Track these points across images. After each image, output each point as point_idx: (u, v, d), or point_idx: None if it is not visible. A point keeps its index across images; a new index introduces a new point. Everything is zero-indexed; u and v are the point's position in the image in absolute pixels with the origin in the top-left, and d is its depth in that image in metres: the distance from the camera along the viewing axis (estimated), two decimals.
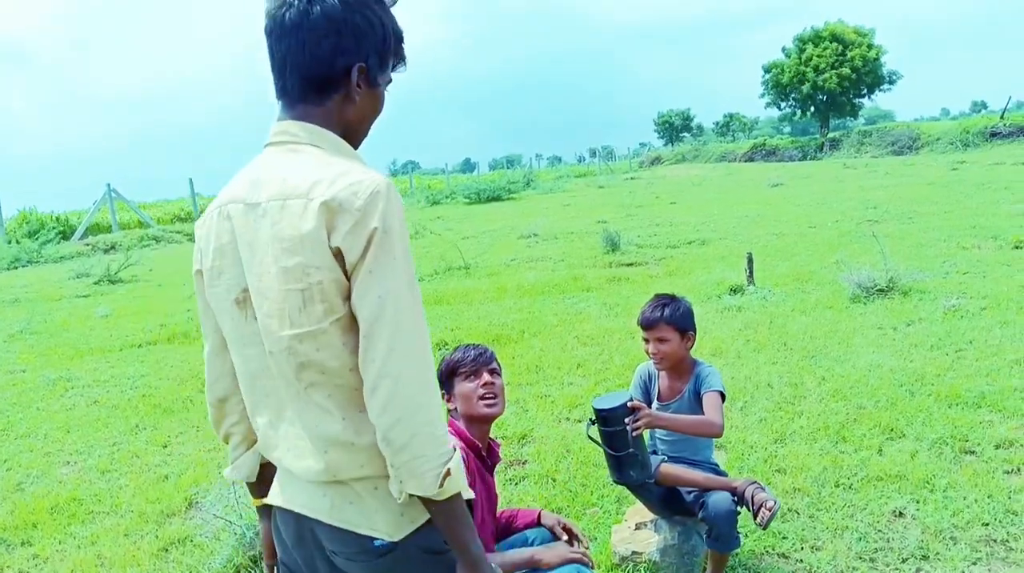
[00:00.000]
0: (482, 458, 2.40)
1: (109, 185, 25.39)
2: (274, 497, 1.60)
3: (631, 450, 2.71)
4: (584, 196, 26.49)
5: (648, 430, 3.20)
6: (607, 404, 2.72)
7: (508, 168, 54.44)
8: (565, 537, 2.55)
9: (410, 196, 33.37)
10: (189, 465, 4.74)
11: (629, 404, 2.70)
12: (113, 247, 20.77)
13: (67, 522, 4.08)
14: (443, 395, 2.39)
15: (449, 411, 2.43)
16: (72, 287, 13.56)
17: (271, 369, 1.46)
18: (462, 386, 2.40)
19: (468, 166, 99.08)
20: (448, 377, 2.42)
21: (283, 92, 1.46)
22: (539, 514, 2.65)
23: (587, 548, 2.56)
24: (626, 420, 2.67)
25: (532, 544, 2.61)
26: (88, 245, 21.29)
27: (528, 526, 2.63)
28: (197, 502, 4.14)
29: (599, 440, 2.79)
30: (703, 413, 2.93)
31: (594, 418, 2.76)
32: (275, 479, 1.63)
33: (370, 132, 1.57)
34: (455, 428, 2.35)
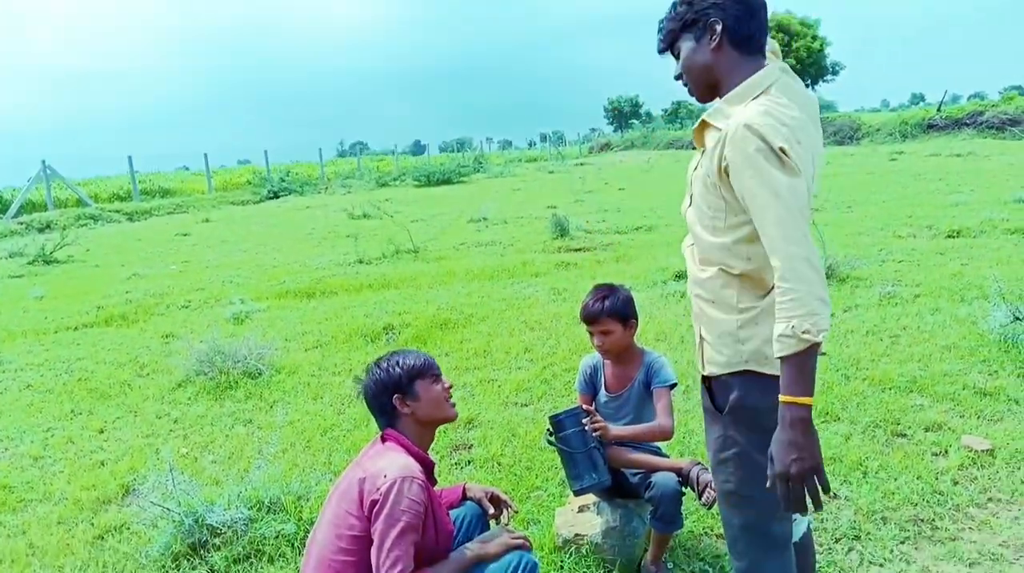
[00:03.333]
0: (430, 476, 2.36)
1: (44, 162, 24.52)
2: None
3: (592, 446, 2.81)
4: (534, 181, 26.52)
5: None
6: (562, 411, 2.87)
7: (458, 151, 54.10)
8: (492, 509, 2.60)
9: (358, 177, 32.97)
10: (126, 451, 4.63)
11: (585, 407, 2.85)
12: (48, 226, 20.08)
13: None
14: (399, 402, 2.31)
15: (397, 420, 2.33)
16: (4, 267, 13.08)
17: None
18: (433, 388, 2.35)
19: (418, 148, 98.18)
20: (412, 380, 2.32)
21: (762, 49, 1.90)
22: (464, 488, 2.67)
23: (516, 511, 2.68)
24: (583, 421, 2.78)
25: (463, 527, 2.63)
26: (22, 223, 20.55)
27: (454, 505, 2.64)
28: (134, 489, 4.05)
29: (557, 444, 2.88)
30: (652, 403, 3.03)
31: (551, 429, 2.86)
32: None
33: None
34: (404, 444, 2.27)
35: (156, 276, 11.22)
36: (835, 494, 3.53)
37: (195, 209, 24.38)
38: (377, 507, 2.05)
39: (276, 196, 27.80)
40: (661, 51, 2.02)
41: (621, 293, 3.04)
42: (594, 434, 2.82)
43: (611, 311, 2.98)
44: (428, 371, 2.35)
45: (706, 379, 2.02)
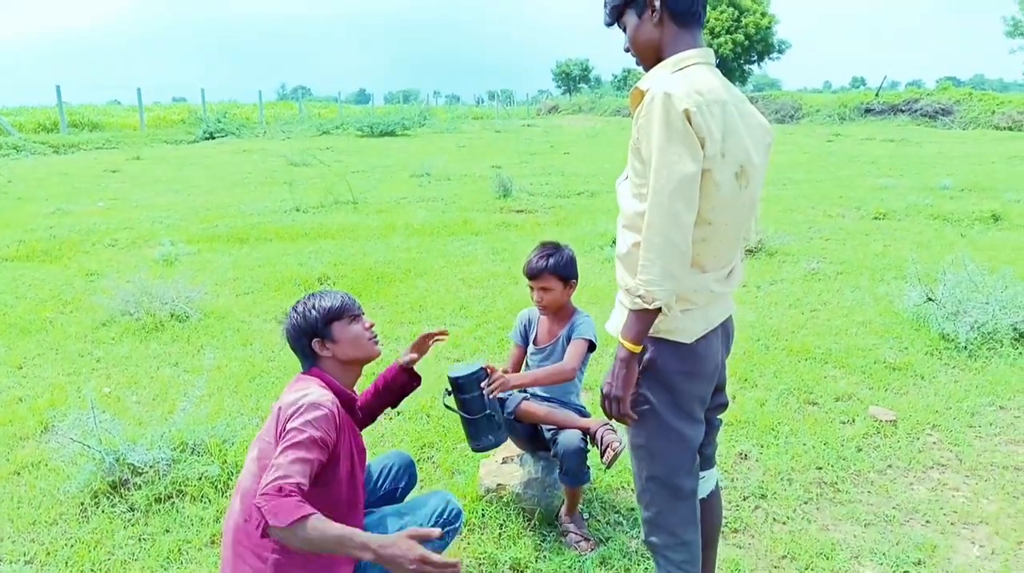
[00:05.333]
0: (352, 411, 2.39)
1: None
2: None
3: (488, 412, 2.81)
4: (480, 139, 26.33)
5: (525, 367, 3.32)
6: (462, 372, 2.81)
7: (404, 103, 53.16)
8: (425, 347, 2.76)
9: (299, 123, 32.13)
10: (45, 388, 4.52)
11: (485, 366, 2.82)
12: None
13: None
14: (318, 345, 2.32)
15: (319, 361, 2.35)
16: None
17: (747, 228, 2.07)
18: (351, 328, 2.34)
19: (362, 97, 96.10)
20: (330, 322, 2.32)
21: (700, 21, 2.00)
22: (396, 366, 2.72)
23: (445, 333, 2.80)
24: (481, 384, 2.77)
25: (390, 475, 2.69)
26: None
27: (391, 384, 2.70)
28: (53, 426, 3.97)
29: (455, 407, 2.86)
30: None
31: (450, 388, 2.84)
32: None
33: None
34: (327, 380, 2.29)
35: (82, 212, 10.82)
36: (745, 455, 3.71)
37: (126, 146, 23.44)
38: (284, 428, 2.06)
39: (212, 137, 26.90)
40: (608, 24, 2.11)
41: (566, 252, 3.10)
42: (495, 393, 2.85)
43: (554, 269, 3.04)
44: (345, 312, 2.34)
45: None
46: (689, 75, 1.87)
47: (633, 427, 2.08)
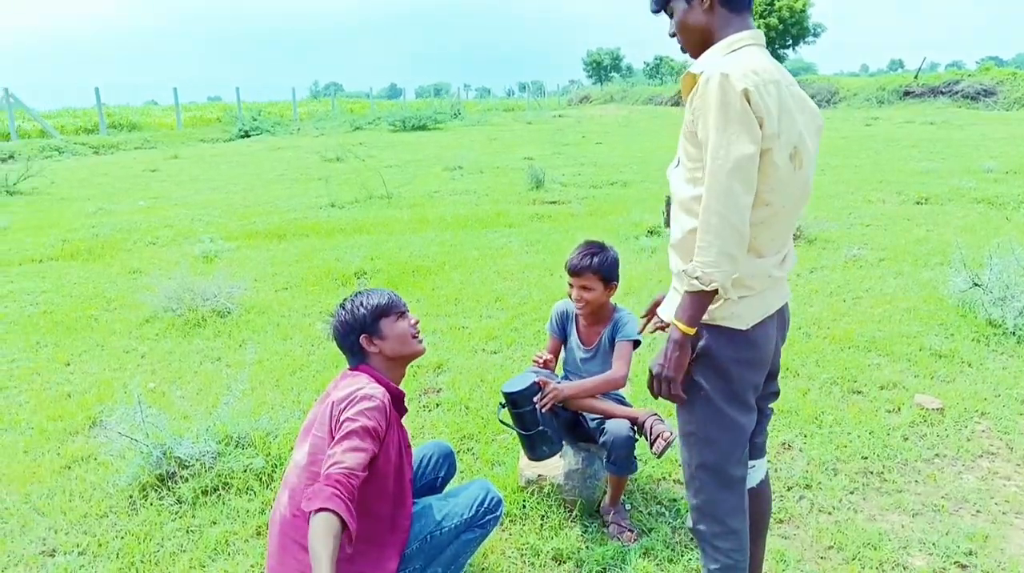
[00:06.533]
0: (400, 407, 2.41)
1: (7, 90, 23.73)
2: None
3: (541, 428, 2.88)
4: (511, 131, 26.28)
5: (563, 359, 3.32)
6: (515, 387, 2.87)
7: (435, 97, 53.25)
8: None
9: (332, 119, 32.39)
10: (93, 384, 4.63)
11: (537, 380, 2.87)
12: (11, 156, 19.52)
13: None
14: (366, 341, 2.35)
15: (367, 358, 2.37)
16: None
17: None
18: (398, 325, 2.38)
19: (394, 92, 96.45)
20: (378, 318, 2.36)
21: (750, 5, 1.97)
22: None
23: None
24: (534, 399, 2.79)
25: (430, 465, 2.71)
26: None
27: None
28: (101, 421, 4.06)
29: (510, 423, 2.94)
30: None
31: (504, 402, 2.90)
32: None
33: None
34: (375, 376, 2.32)
35: (123, 211, 11.03)
36: (788, 445, 3.66)
37: (164, 145, 23.84)
38: (339, 420, 2.10)
39: (247, 135, 27.25)
40: (655, 11, 2.10)
41: (610, 253, 3.08)
42: (548, 405, 2.88)
43: (597, 268, 3.02)
44: (392, 309, 2.38)
45: None
46: (743, 56, 1.86)
47: (685, 414, 2.06)
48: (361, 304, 2.37)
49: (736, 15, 1.96)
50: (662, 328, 2.30)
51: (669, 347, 1.91)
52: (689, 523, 2.18)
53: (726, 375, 1.99)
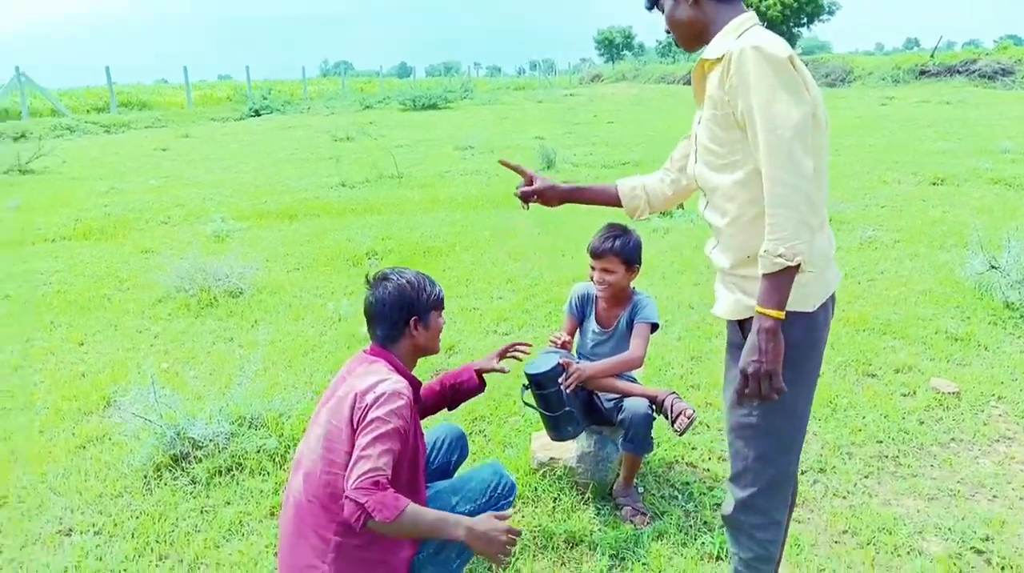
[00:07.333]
0: (416, 397, 2.39)
1: (18, 68, 23.75)
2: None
3: (567, 409, 2.87)
4: (522, 110, 26.12)
5: (578, 343, 3.30)
6: (540, 368, 2.86)
7: (445, 75, 52.97)
8: (505, 367, 2.74)
9: (342, 98, 32.27)
10: (107, 364, 4.65)
11: (561, 361, 2.85)
12: (23, 135, 19.56)
13: None
14: (414, 323, 2.29)
15: (399, 341, 2.30)
16: None
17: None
18: (440, 320, 2.39)
19: (404, 70, 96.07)
20: (431, 309, 2.32)
21: None
22: (472, 370, 2.73)
23: (529, 345, 2.81)
24: (559, 380, 2.78)
25: (442, 448, 2.70)
26: None
27: (460, 386, 2.72)
28: (115, 401, 4.07)
29: (534, 404, 2.94)
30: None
31: (527, 384, 2.90)
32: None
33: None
34: (396, 365, 2.28)
35: (135, 191, 11.05)
36: None
37: (174, 124, 23.82)
38: (365, 416, 2.06)
39: (258, 114, 27.20)
40: (648, 8, 2.10)
41: (633, 236, 3.03)
42: (572, 386, 2.87)
43: (619, 250, 2.98)
44: (442, 305, 2.39)
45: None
46: (758, 32, 1.83)
47: (744, 406, 1.97)
48: (425, 287, 2.32)
49: (726, 5, 1.94)
50: None
51: (762, 339, 1.78)
52: (726, 511, 2.11)
53: (794, 362, 1.87)
